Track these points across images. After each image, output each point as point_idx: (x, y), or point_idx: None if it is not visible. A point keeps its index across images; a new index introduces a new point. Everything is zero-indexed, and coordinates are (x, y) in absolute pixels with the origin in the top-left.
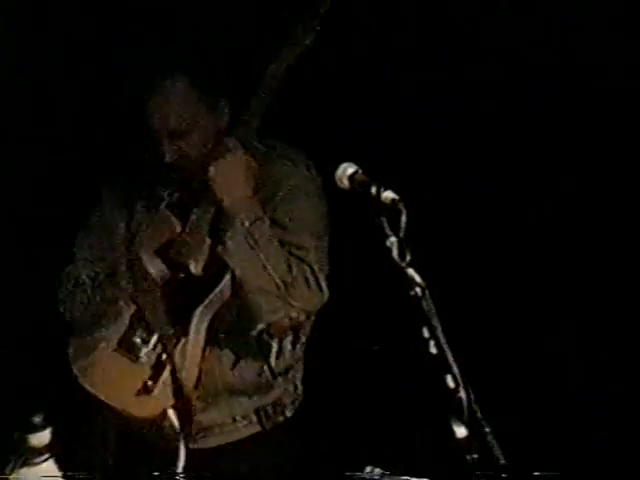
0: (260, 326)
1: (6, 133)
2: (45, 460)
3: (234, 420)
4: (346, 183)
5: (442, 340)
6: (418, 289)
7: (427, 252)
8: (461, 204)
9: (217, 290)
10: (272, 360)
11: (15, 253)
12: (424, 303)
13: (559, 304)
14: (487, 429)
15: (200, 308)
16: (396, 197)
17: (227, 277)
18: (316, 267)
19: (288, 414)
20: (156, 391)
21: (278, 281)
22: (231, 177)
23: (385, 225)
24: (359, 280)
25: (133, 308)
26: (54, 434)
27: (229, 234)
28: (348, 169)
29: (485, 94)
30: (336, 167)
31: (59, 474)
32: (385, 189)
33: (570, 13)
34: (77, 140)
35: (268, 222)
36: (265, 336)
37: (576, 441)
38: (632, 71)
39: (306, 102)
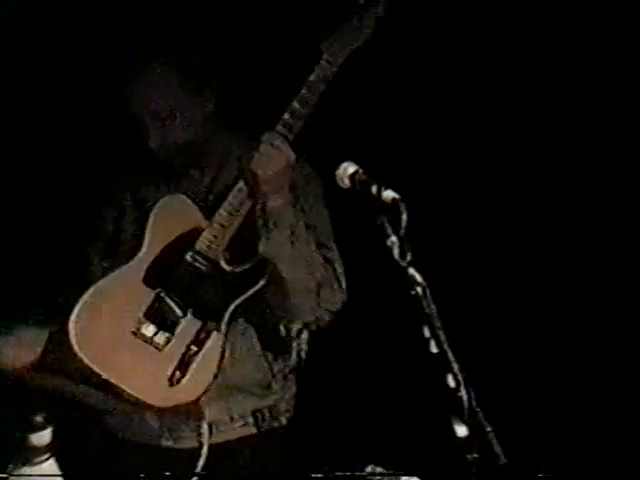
0: (297, 326)
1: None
2: (46, 460)
3: (231, 419)
4: (347, 182)
5: (443, 339)
6: (419, 288)
7: (428, 251)
8: (463, 202)
9: (257, 288)
10: (292, 360)
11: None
12: (425, 302)
13: (561, 302)
14: (488, 428)
15: (236, 303)
16: (397, 196)
17: (265, 277)
18: (338, 267)
19: (283, 421)
20: (183, 382)
21: (318, 281)
22: (277, 175)
23: (386, 224)
24: (359, 280)
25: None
26: (55, 434)
27: (274, 233)
28: (349, 168)
29: (487, 88)
30: (337, 166)
31: (60, 473)
32: (386, 188)
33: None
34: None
35: (303, 222)
36: (288, 336)
37: (577, 441)
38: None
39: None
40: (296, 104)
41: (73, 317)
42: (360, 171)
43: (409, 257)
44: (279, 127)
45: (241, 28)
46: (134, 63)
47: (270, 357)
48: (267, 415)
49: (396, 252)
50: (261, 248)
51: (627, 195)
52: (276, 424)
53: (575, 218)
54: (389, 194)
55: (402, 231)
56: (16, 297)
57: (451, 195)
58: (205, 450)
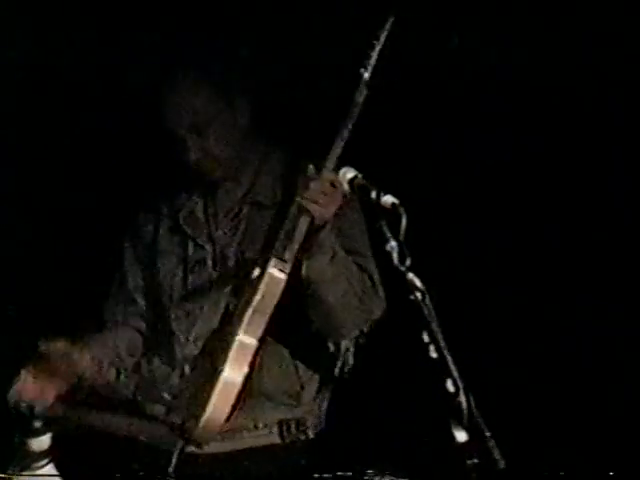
0: (345, 343)
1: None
2: (45, 464)
3: (256, 427)
4: (346, 187)
5: (442, 344)
6: (418, 293)
7: (428, 256)
8: (462, 208)
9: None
10: (329, 374)
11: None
12: (424, 307)
13: (560, 307)
14: (487, 433)
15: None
16: (396, 201)
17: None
18: (375, 275)
19: (310, 435)
20: None
21: (359, 296)
22: (329, 200)
23: (385, 229)
24: None
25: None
26: (54, 439)
27: (317, 257)
28: (348, 173)
29: (482, 96)
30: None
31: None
32: (385, 193)
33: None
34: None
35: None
36: (337, 352)
37: (576, 445)
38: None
39: (306, 106)
40: (345, 133)
41: None
42: (359, 176)
43: (408, 262)
44: (331, 160)
45: (273, 43)
46: (169, 78)
47: (301, 370)
48: (293, 427)
49: (395, 257)
50: (304, 272)
51: (624, 201)
52: (302, 437)
53: (572, 222)
54: (388, 199)
55: (401, 236)
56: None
57: (452, 200)
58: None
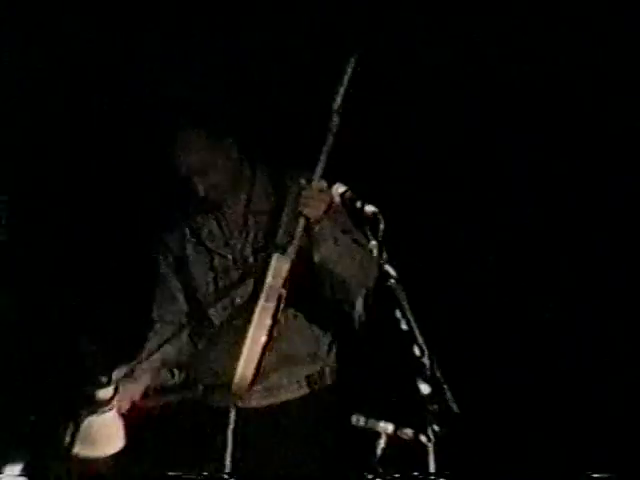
0: (359, 302)
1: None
2: (109, 410)
3: (288, 384)
4: (338, 199)
5: (411, 319)
6: (392, 280)
7: (399, 252)
8: (429, 217)
9: None
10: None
11: None
12: (397, 291)
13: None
14: (445, 386)
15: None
16: (376, 210)
17: None
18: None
19: (328, 381)
20: None
21: (360, 262)
22: (318, 202)
23: (367, 232)
24: None
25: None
26: (116, 390)
27: (322, 245)
28: (339, 188)
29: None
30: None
31: (120, 423)
32: (367, 204)
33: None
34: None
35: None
36: (353, 310)
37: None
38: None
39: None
40: (324, 154)
41: None
42: (349, 191)
43: (385, 256)
44: (317, 175)
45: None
46: (168, 131)
47: (317, 333)
48: (317, 378)
49: (375, 252)
50: (316, 258)
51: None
52: (324, 384)
53: (541, 212)
54: (370, 208)
55: (380, 236)
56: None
57: (420, 209)
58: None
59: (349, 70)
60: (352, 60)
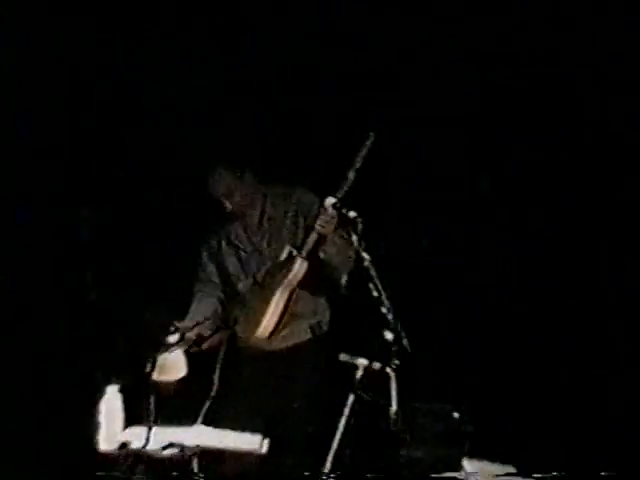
0: (344, 277)
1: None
2: (176, 349)
3: (298, 332)
4: (330, 209)
5: (380, 287)
6: (368, 263)
7: (372, 243)
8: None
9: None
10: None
11: None
12: (370, 269)
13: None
14: (402, 334)
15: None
16: (356, 214)
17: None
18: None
19: (325, 329)
20: None
21: (346, 253)
22: (330, 226)
23: (351, 231)
24: None
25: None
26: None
27: (326, 247)
28: (331, 199)
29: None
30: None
31: (184, 358)
32: (350, 210)
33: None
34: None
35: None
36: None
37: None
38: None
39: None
40: (351, 175)
41: None
42: (338, 202)
43: (363, 245)
44: (339, 196)
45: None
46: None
47: (318, 296)
48: (316, 326)
49: (356, 244)
50: (322, 255)
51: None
52: (322, 331)
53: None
54: (352, 213)
55: (360, 233)
56: None
57: (389, 214)
58: None
59: (366, 148)
60: (370, 138)
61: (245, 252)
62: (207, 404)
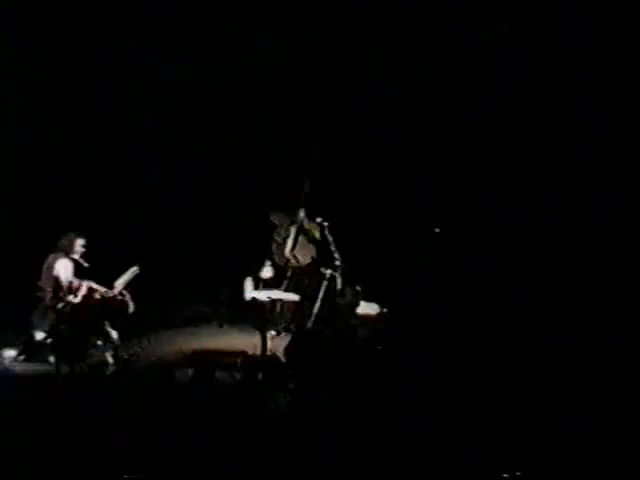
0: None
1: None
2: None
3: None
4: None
5: (341, 267)
6: (337, 262)
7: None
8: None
9: None
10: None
11: None
12: (337, 260)
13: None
14: (358, 288)
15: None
16: (321, 219)
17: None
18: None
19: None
20: None
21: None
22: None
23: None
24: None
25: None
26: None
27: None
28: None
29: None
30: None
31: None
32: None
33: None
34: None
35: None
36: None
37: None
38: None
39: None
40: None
41: None
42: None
43: (331, 238)
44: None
45: None
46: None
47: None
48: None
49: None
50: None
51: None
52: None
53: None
54: (318, 219)
55: (327, 230)
56: None
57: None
58: None
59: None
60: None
61: (279, 261)
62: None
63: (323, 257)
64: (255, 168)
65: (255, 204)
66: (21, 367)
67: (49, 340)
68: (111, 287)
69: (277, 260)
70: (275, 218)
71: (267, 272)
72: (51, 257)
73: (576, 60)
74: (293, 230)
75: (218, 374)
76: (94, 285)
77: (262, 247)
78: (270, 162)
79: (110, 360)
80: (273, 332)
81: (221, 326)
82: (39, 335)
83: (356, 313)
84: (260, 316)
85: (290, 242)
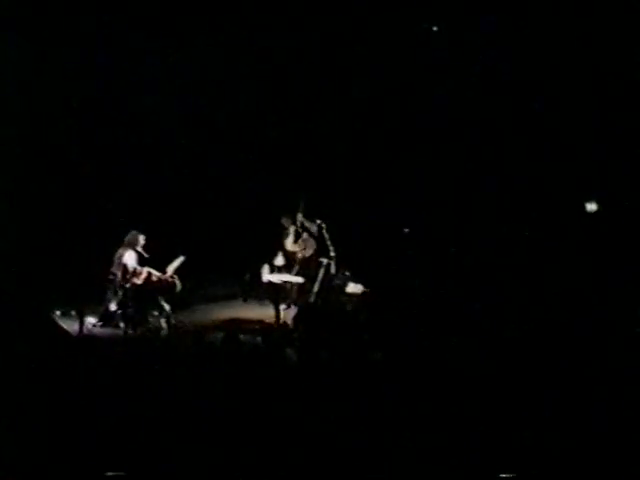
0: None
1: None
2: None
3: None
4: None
5: (335, 257)
6: (331, 254)
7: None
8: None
9: None
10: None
11: None
12: (330, 250)
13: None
14: (348, 273)
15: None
16: (320, 221)
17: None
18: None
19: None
20: None
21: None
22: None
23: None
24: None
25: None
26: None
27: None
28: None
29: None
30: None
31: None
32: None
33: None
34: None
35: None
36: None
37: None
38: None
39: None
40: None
41: None
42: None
43: (329, 241)
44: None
45: None
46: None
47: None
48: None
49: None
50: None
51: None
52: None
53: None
54: (318, 220)
55: (324, 230)
56: None
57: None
58: None
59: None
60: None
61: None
62: (294, 271)
63: (321, 249)
64: (265, 170)
65: (271, 208)
66: (99, 330)
67: (119, 311)
68: (164, 272)
69: (287, 251)
70: (284, 221)
71: (279, 260)
72: (120, 249)
73: (575, 60)
74: (293, 230)
75: (242, 337)
76: (152, 270)
77: (276, 242)
78: (270, 162)
79: (164, 326)
80: (284, 305)
81: (245, 300)
82: (112, 307)
83: (345, 292)
84: (274, 294)
85: (291, 238)
